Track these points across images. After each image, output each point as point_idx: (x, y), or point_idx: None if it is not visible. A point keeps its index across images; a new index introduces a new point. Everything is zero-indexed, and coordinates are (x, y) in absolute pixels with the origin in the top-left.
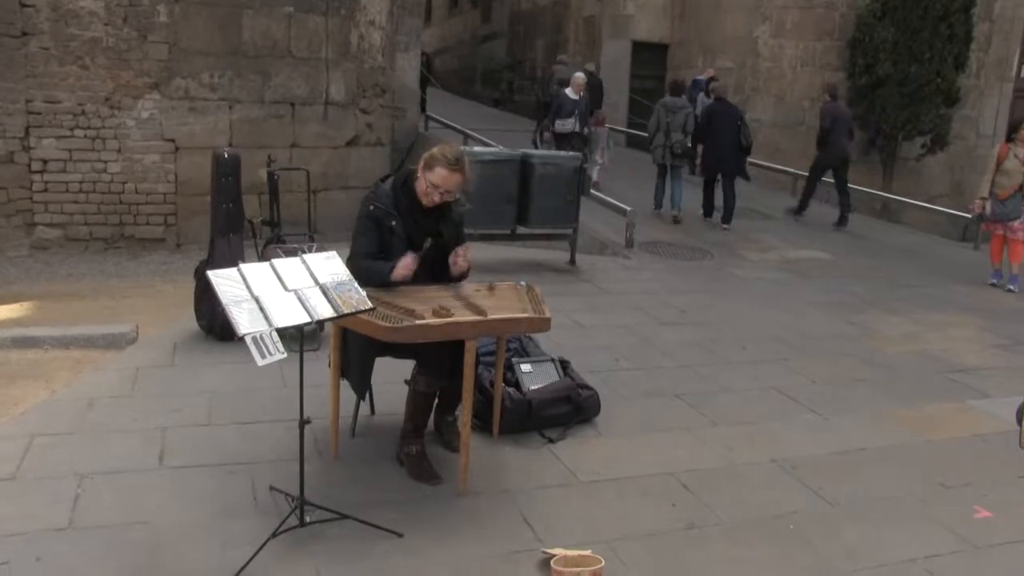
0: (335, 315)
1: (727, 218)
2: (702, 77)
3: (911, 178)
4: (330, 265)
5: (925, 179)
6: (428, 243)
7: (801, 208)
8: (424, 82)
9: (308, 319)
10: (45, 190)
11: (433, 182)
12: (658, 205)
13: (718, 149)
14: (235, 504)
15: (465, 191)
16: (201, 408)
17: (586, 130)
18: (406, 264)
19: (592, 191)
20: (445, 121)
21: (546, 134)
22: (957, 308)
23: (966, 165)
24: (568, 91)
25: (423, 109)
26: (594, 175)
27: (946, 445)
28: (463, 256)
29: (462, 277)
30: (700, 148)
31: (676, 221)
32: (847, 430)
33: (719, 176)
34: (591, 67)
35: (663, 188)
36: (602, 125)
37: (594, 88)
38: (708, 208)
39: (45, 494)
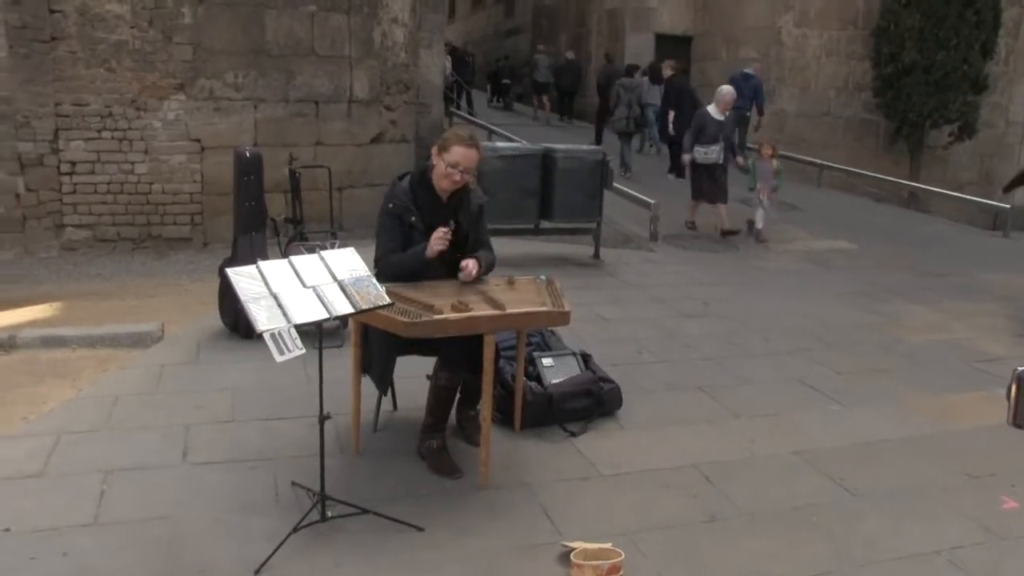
0: (353, 311)
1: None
2: (751, 71)
3: (938, 166)
4: (348, 261)
5: (953, 167)
6: (451, 225)
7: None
8: (465, 84)
9: (326, 315)
10: (74, 192)
11: (452, 161)
12: (627, 169)
13: (683, 118)
14: (257, 500)
15: (481, 183)
16: (224, 405)
17: (741, 159)
18: (438, 236)
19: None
20: (469, 117)
21: (685, 157)
22: (984, 297)
23: (995, 153)
24: (711, 109)
25: (469, 105)
26: (757, 221)
27: (972, 435)
28: (472, 270)
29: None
30: (672, 115)
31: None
32: (870, 421)
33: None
34: (571, 55)
35: (625, 156)
36: (771, 156)
37: (572, 74)
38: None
39: (71, 490)
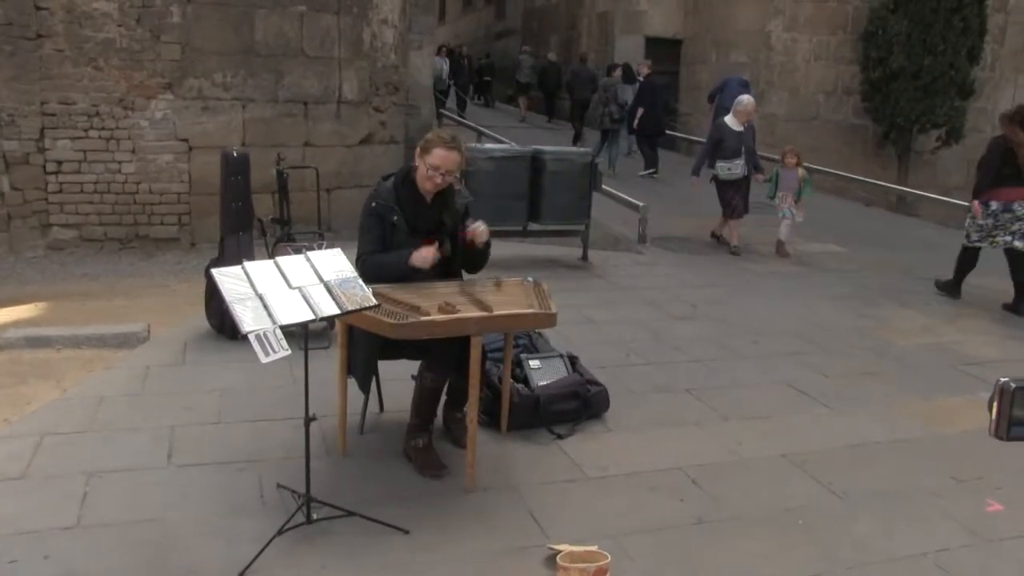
0: (339, 312)
1: (656, 170)
2: (747, 77)
3: (926, 171)
4: (335, 262)
5: (941, 172)
6: (446, 243)
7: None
8: (460, 89)
9: (312, 316)
10: (60, 191)
11: (433, 164)
12: (609, 164)
13: (651, 115)
14: (243, 502)
15: (467, 184)
16: (211, 406)
17: (761, 176)
18: (424, 255)
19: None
20: (458, 118)
21: (693, 178)
22: (972, 300)
23: None
24: (728, 120)
25: (462, 109)
26: (782, 233)
27: (959, 438)
28: (475, 230)
29: (485, 247)
30: (639, 112)
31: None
32: (859, 424)
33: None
34: (552, 56)
35: (609, 152)
36: (795, 165)
37: (555, 75)
38: (651, 162)
39: (54, 492)
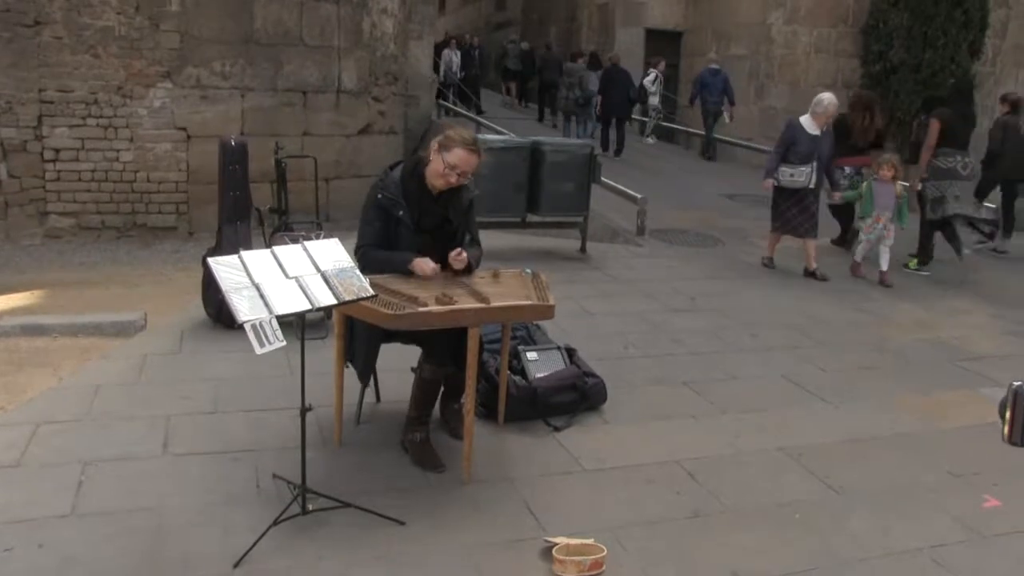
0: (336, 302)
1: (619, 151)
2: (717, 66)
3: None
4: (332, 252)
5: None
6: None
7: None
8: (467, 87)
9: (308, 306)
10: (58, 179)
11: (451, 163)
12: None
13: (613, 101)
14: (238, 492)
15: (474, 176)
16: (207, 396)
17: (839, 195)
18: (429, 268)
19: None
20: (458, 109)
21: (767, 182)
22: (971, 295)
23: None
24: (804, 120)
25: (478, 110)
26: (857, 254)
27: (956, 433)
28: (459, 258)
29: (469, 269)
30: (599, 99)
31: None
32: (856, 418)
33: (613, 120)
34: (525, 46)
35: (569, 132)
36: (892, 179)
37: (525, 61)
38: (604, 143)
39: (49, 481)
